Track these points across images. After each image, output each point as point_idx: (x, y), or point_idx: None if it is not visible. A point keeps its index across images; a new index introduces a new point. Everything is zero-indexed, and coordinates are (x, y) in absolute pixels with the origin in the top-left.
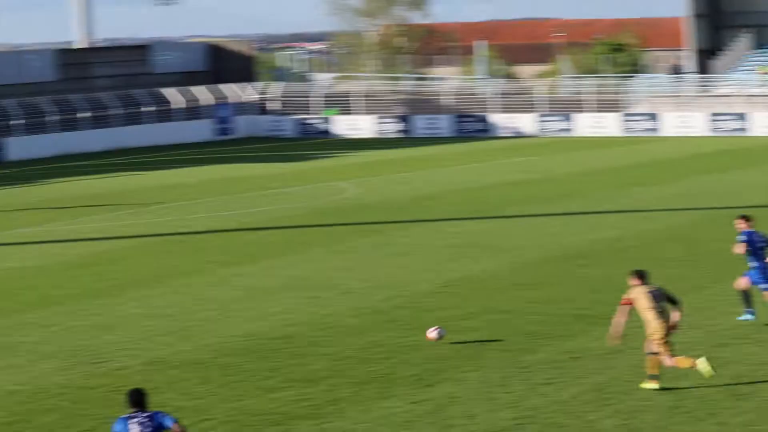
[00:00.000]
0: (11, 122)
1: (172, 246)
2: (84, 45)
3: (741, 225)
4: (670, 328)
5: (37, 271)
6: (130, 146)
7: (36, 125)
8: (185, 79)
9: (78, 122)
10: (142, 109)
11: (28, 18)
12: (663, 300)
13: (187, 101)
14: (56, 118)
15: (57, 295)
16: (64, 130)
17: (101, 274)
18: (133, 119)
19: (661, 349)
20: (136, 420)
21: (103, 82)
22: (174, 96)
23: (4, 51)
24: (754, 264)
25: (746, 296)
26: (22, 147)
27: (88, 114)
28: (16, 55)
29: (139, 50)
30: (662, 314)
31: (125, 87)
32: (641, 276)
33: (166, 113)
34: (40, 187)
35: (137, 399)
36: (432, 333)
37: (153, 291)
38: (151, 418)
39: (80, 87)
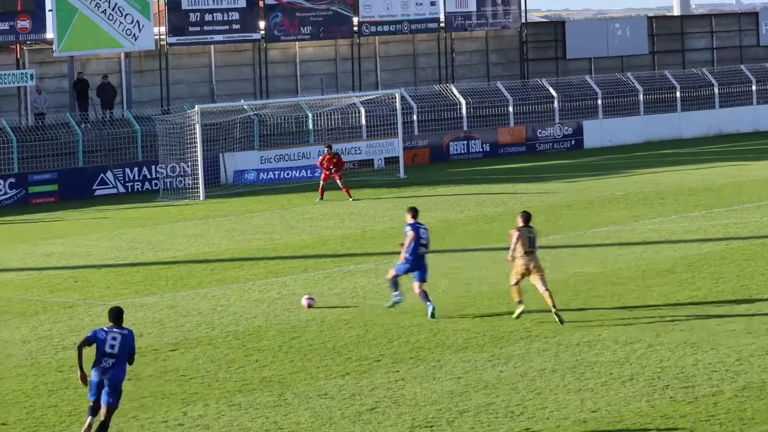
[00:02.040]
0: (599, 101)
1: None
2: (679, 12)
3: None
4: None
5: (613, 277)
6: (730, 132)
7: (619, 106)
8: None
9: (669, 103)
10: (747, 88)
11: None
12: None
13: None
14: (643, 97)
15: (638, 306)
16: (649, 112)
17: (683, 281)
18: (736, 100)
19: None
20: (118, 333)
21: (701, 55)
22: None
23: (590, 18)
24: None
25: None
26: (602, 131)
27: (680, 93)
28: (603, 24)
29: (745, 18)
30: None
31: (727, 61)
32: (527, 217)
33: None
34: (620, 178)
35: (117, 314)
36: (303, 301)
37: (758, 302)
38: (126, 335)
39: (674, 62)
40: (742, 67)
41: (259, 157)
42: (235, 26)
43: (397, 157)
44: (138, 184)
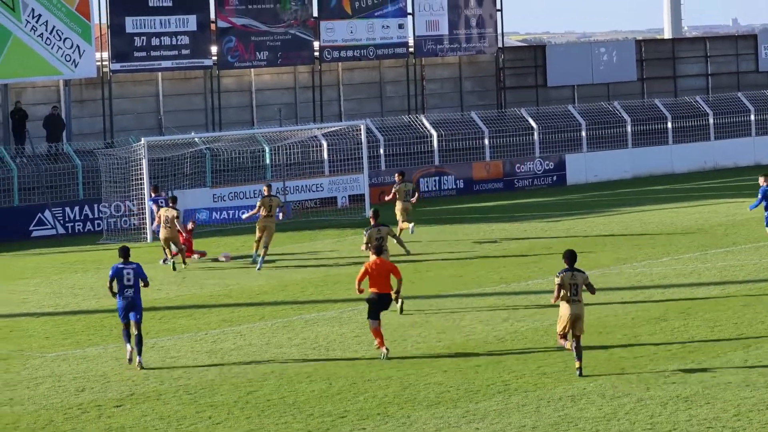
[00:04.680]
0: (583, 132)
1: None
2: (670, 35)
3: None
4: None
5: (599, 325)
6: (727, 166)
7: (605, 138)
8: None
9: (660, 134)
10: (745, 118)
11: (596, 1)
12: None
13: None
14: (632, 128)
15: (626, 357)
16: (638, 145)
17: (675, 330)
18: (733, 131)
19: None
20: (129, 267)
21: (694, 82)
22: None
23: (573, 42)
24: None
25: None
26: (587, 165)
27: (671, 124)
28: (588, 48)
29: (743, 41)
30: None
31: (723, 89)
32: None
33: None
34: (607, 217)
35: (125, 252)
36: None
37: (756, 352)
38: (136, 268)
39: (665, 89)
40: (740, 94)
41: (212, 195)
42: (185, 51)
43: (363, 195)
44: (79, 225)
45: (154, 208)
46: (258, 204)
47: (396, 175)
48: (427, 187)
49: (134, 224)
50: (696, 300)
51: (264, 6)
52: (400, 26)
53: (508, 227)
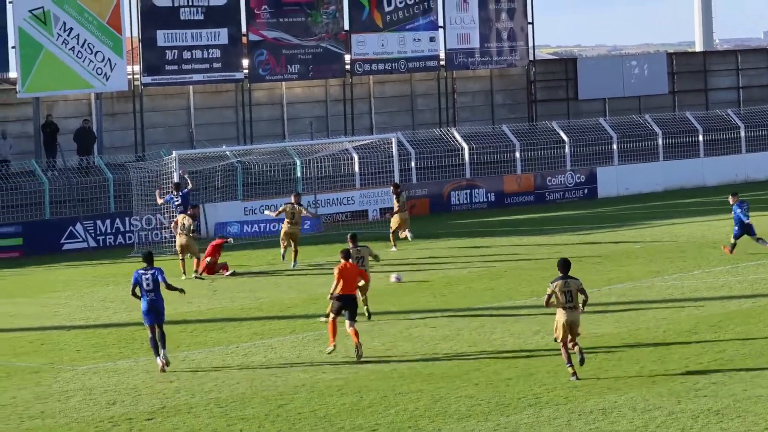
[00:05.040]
0: (614, 146)
1: None
2: (701, 48)
3: None
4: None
5: (631, 338)
6: (759, 179)
7: (636, 151)
8: None
9: (691, 147)
10: None
11: (630, 14)
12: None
13: None
14: (663, 141)
15: (657, 369)
16: (669, 158)
17: (707, 343)
18: (765, 144)
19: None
20: (149, 272)
21: (726, 95)
22: None
23: (604, 55)
24: None
25: None
26: (618, 178)
27: (703, 137)
28: (619, 61)
29: None
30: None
31: (754, 102)
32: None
33: None
34: (638, 230)
35: (148, 258)
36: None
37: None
38: (154, 273)
39: (696, 102)
40: None
41: (243, 208)
42: (216, 65)
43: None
44: (110, 238)
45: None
46: (281, 208)
47: (392, 187)
48: (459, 200)
49: (165, 237)
50: (727, 313)
51: (295, 19)
52: (432, 39)
53: (540, 239)
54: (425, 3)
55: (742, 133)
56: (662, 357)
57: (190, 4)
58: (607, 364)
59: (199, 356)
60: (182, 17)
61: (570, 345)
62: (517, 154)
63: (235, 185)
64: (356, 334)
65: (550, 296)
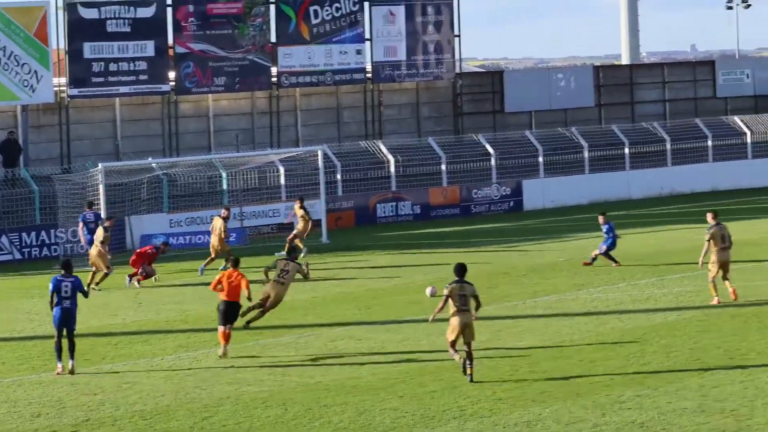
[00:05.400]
0: (540, 158)
1: (737, 321)
2: (628, 60)
3: None
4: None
5: (555, 350)
6: (684, 192)
7: (562, 164)
8: (759, 104)
9: (617, 160)
10: (702, 143)
11: (557, 27)
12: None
13: (760, 133)
14: (589, 154)
15: (582, 382)
16: (595, 170)
17: (631, 356)
18: (690, 157)
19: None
20: (68, 279)
21: (652, 108)
22: (743, 127)
23: (531, 68)
24: None
25: None
26: (544, 191)
27: (628, 150)
28: (545, 74)
29: (701, 67)
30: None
31: (680, 115)
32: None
33: (732, 149)
34: (563, 243)
35: (67, 265)
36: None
37: (711, 378)
38: (74, 281)
39: (622, 115)
40: (697, 120)
41: (169, 220)
42: (143, 77)
43: (319, 220)
44: (36, 250)
45: (80, 226)
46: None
47: (297, 200)
48: (384, 212)
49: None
50: (652, 326)
51: (222, 31)
52: (358, 52)
53: (465, 252)
54: (352, 16)
55: (668, 146)
56: (587, 370)
57: (117, 16)
58: (531, 377)
59: (124, 368)
60: (109, 29)
61: (465, 347)
62: (443, 167)
63: (161, 197)
64: (227, 337)
65: (447, 298)
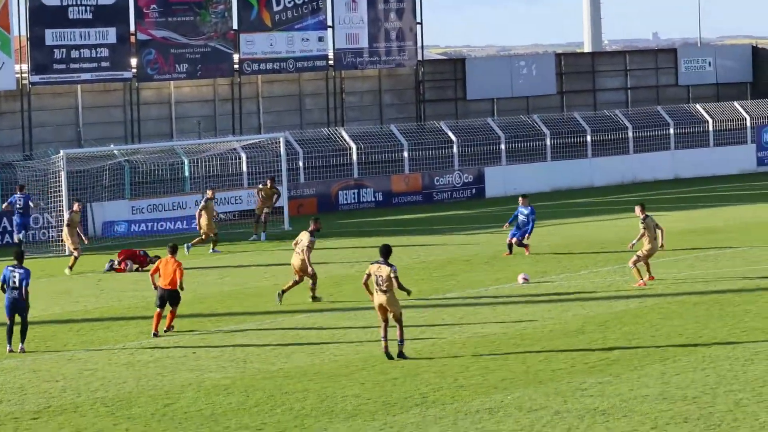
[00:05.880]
0: (502, 146)
1: (699, 309)
2: (590, 48)
3: None
4: None
5: (518, 338)
6: (646, 180)
7: (524, 152)
8: (721, 92)
9: (579, 148)
10: (664, 131)
11: (517, 15)
12: None
13: (722, 121)
14: (551, 142)
15: (544, 369)
16: (557, 158)
17: (593, 343)
18: (652, 144)
19: None
20: (17, 270)
21: (614, 96)
22: (705, 115)
23: (493, 56)
24: None
25: None
26: (505, 178)
27: (590, 138)
28: (507, 61)
29: (663, 55)
30: None
31: (642, 102)
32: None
33: (694, 137)
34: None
35: (19, 256)
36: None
37: (673, 365)
38: (23, 273)
39: (584, 103)
40: (659, 108)
41: (130, 207)
42: (105, 64)
43: (282, 207)
44: None
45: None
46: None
47: (268, 179)
48: (346, 199)
49: (53, 236)
50: (614, 313)
51: (184, 18)
52: (320, 39)
53: (427, 239)
54: (314, 3)
55: (630, 134)
56: (549, 357)
57: (79, 3)
58: (493, 364)
59: (86, 355)
60: (71, 16)
61: (397, 331)
62: (405, 154)
63: (123, 184)
64: (171, 316)
65: (367, 276)
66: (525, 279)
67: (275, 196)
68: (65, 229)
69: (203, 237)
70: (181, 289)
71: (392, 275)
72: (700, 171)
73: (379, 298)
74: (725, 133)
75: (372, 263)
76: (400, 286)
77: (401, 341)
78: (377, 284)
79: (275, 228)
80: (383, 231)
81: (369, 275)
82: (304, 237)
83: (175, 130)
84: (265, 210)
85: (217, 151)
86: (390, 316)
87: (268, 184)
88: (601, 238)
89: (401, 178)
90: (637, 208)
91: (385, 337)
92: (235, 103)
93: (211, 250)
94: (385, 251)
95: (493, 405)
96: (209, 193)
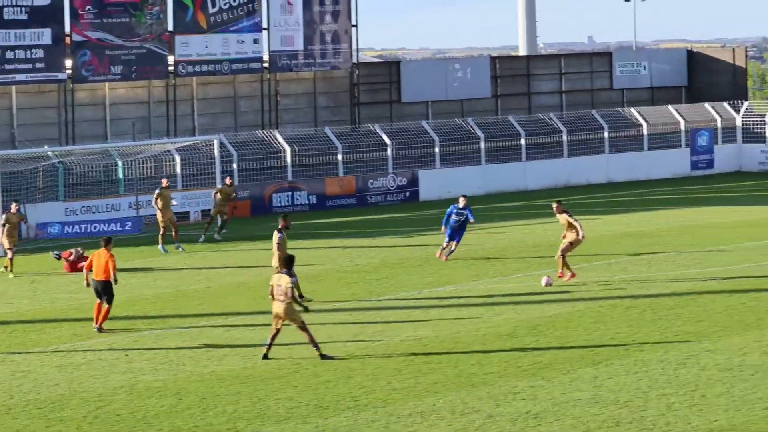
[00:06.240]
0: (436, 149)
1: (632, 312)
2: (525, 52)
3: None
4: None
5: (450, 341)
6: (579, 183)
7: (458, 155)
8: (655, 96)
9: (513, 151)
10: (599, 135)
11: (452, 18)
12: None
13: (657, 125)
14: (485, 145)
15: (476, 373)
16: (491, 161)
17: (526, 347)
18: (586, 148)
19: None
20: None
21: (548, 99)
22: (639, 118)
23: (428, 58)
24: None
25: None
26: (439, 181)
27: (525, 141)
28: (442, 64)
29: (598, 59)
30: None
31: (577, 106)
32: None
33: (629, 141)
34: None
35: None
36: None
37: (605, 369)
38: None
39: (519, 106)
40: (594, 112)
41: (64, 209)
42: (39, 65)
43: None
44: None
45: None
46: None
47: (228, 178)
48: (280, 202)
49: None
50: (547, 317)
51: (119, 20)
52: (255, 41)
53: (361, 242)
54: (249, 5)
55: (564, 138)
56: (481, 360)
57: (14, 3)
58: (426, 368)
59: (18, 357)
60: (5, 17)
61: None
62: (339, 157)
63: (57, 186)
64: (100, 309)
65: (272, 288)
66: (548, 282)
67: (234, 194)
68: (1, 229)
69: (163, 230)
70: (115, 282)
71: (288, 286)
72: (634, 175)
73: (277, 308)
74: (659, 136)
75: (275, 273)
76: (294, 299)
77: (315, 346)
78: (277, 293)
79: (209, 231)
80: (317, 234)
81: (272, 286)
82: (274, 236)
83: (109, 131)
84: (225, 216)
85: (151, 152)
86: (287, 321)
87: (228, 182)
88: (534, 242)
89: (335, 181)
90: (555, 205)
91: (270, 344)
92: (169, 104)
93: (176, 245)
94: (288, 261)
95: (425, 408)
96: (164, 182)
